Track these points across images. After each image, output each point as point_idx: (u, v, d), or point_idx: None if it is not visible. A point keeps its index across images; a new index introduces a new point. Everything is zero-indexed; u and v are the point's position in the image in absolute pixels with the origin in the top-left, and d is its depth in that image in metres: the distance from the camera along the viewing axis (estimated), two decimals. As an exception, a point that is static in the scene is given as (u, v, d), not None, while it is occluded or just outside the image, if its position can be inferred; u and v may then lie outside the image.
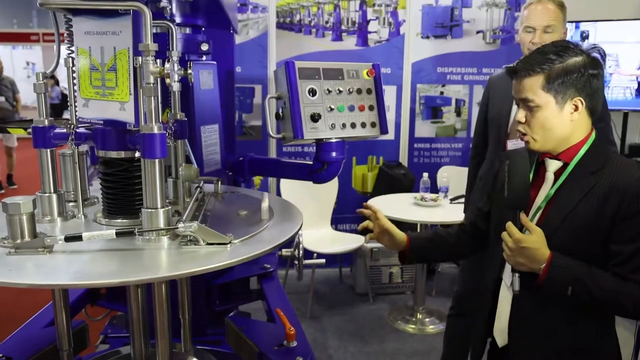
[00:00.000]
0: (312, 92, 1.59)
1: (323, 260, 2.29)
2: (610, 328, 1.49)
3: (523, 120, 1.45)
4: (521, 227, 1.42)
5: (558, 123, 1.42)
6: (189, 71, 1.40)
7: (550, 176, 1.47)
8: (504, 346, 1.56)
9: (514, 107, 2.48)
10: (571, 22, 2.44)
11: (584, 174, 1.42)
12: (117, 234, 1.09)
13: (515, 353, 1.54)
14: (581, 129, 1.44)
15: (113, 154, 1.25)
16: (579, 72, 1.39)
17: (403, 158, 4.67)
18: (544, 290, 1.40)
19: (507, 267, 1.49)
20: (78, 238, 1.06)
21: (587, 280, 1.35)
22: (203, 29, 1.96)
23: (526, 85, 1.42)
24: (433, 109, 4.66)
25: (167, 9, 1.51)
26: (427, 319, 3.85)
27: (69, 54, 1.25)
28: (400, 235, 1.75)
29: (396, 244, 1.75)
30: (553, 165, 1.47)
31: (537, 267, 1.38)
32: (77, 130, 1.27)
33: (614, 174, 1.39)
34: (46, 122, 1.27)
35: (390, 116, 4.51)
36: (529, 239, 1.39)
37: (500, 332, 1.56)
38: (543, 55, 1.42)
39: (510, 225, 1.43)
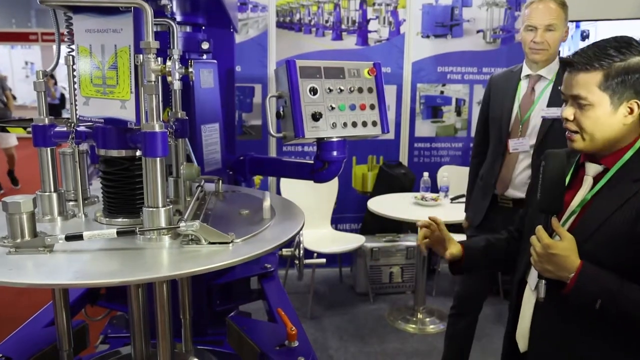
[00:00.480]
0: (313, 91, 1.58)
1: (323, 260, 2.29)
2: (638, 348, 1.37)
3: (571, 117, 1.36)
4: (552, 232, 1.35)
5: (609, 125, 1.33)
6: (190, 69, 1.40)
7: (588, 180, 1.40)
8: (525, 352, 1.50)
9: (515, 106, 2.49)
10: (572, 21, 2.43)
11: (626, 181, 1.33)
12: (118, 233, 1.08)
13: None
14: (631, 133, 1.35)
15: (114, 153, 1.24)
16: None
17: (403, 157, 4.67)
18: (570, 301, 1.32)
19: (533, 271, 1.43)
20: (79, 237, 1.05)
21: (618, 293, 1.26)
22: (203, 27, 1.95)
23: (580, 81, 1.33)
24: (433, 109, 4.66)
25: (168, 7, 1.50)
26: (427, 319, 3.84)
27: (69, 52, 1.24)
28: (457, 246, 1.70)
29: (451, 254, 1.69)
30: (593, 169, 1.40)
31: (564, 276, 1.30)
32: (78, 129, 1.26)
33: None
34: (46, 121, 1.26)
35: (391, 116, 4.50)
36: (558, 246, 1.31)
37: (522, 337, 1.50)
38: (602, 49, 1.31)
39: (540, 229, 1.35)
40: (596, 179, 1.39)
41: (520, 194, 2.46)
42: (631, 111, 1.32)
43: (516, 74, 2.53)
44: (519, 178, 2.48)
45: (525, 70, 2.49)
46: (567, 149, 1.44)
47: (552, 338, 1.42)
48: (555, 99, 2.39)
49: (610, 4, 4.23)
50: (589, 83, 1.31)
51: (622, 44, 1.31)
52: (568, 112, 1.37)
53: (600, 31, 4.05)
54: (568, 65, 1.36)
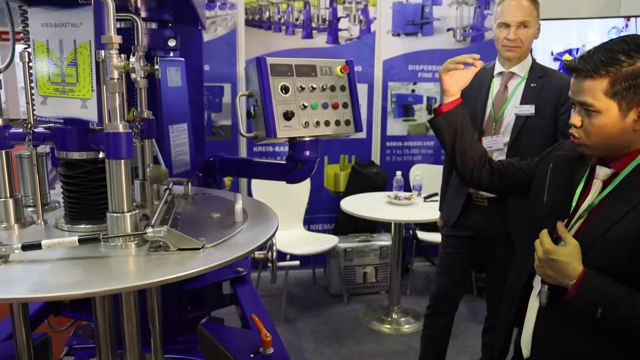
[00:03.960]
0: (285, 89, 1.54)
1: (297, 262, 2.25)
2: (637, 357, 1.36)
3: (579, 124, 1.32)
4: (557, 236, 1.32)
5: (618, 132, 1.28)
6: (156, 67, 1.33)
7: (597, 183, 1.36)
8: (527, 358, 1.47)
9: (489, 104, 2.49)
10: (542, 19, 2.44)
11: (635, 186, 1.29)
12: (80, 240, 1.01)
13: None
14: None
15: (75, 155, 1.16)
16: None
17: (375, 156, 4.65)
18: (571, 308, 1.29)
19: (538, 276, 1.39)
20: (37, 246, 0.98)
21: (620, 303, 1.23)
22: (170, 24, 1.88)
23: (586, 88, 1.28)
24: (405, 107, 4.66)
25: (132, 1, 1.43)
26: (402, 319, 3.84)
27: (25, 47, 1.17)
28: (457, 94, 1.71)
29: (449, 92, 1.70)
30: (602, 173, 1.36)
31: (566, 282, 1.28)
32: (35, 130, 1.18)
33: None
34: (0, 122, 1.18)
35: (362, 114, 4.43)
36: (560, 252, 1.28)
37: (526, 342, 1.47)
38: (610, 53, 1.25)
39: (543, 233, 1.32)
40: (605, 183, 1.35)
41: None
42: None
43: (489, 72, 2.52)
44: (492, 176, 2.47)
45: (498, 67, 2.49)
46: (573, 149, 1.40)
47: (551, 345, 1.39)
48: (528, 96, 2.39)
49: (576, 2, 4.29)
50: (595, 90, 1.27)
51: (632, 46, 1.25)
52: (575, 119, 1.33)
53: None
54: (572, 71, 1.32)
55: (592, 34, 4.11)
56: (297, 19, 4.35)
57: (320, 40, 4.40)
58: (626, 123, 1.27)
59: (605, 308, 1.24)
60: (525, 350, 1.48)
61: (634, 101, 1.25)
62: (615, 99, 1.25)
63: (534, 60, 2.51)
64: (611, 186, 1.33)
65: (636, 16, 3.98)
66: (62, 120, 1.13)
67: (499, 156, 2.44)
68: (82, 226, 1.17)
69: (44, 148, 1.29)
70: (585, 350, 1.35)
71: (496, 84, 2.48)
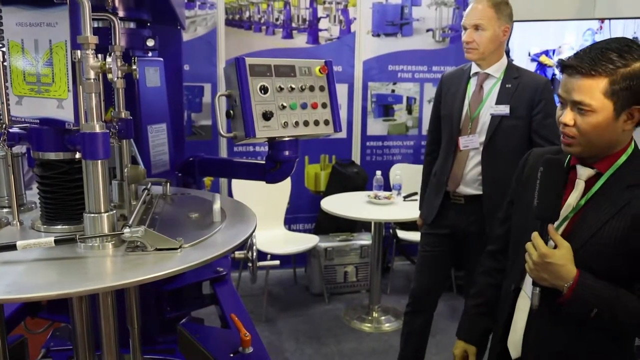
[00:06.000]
0: (264, 90, 1.54)
1: (277, 262, 2.24)
2: (627, 353, 1.40)
3: (571, 123, 1.31)
4: (547, 239, 1.32)
5: (610, 131, 1.29)
6: (134, 67, 1.33)
7: (580, 184, 1.36)
8: (517, 358, 1.48)
9: (465, 104, 2.52)
10: (516, 21, 2.48)
11: (620, 188, 1.31)
12: (56, 241, 1.01)
13: None
14: (626, 138, 1.34)
15: (51, 156, 1.16)
16: None
17: (356, 156, 4.67)
18: (566, 310, 1.31)
19: (528, 278, 1.40)
20: (12, 247, 0.97)
21: (614, 303, 1.26)
22: (149, 24, 1.87)
23: (583, 87, 1.27)
24: (385, 107, 4.68)
25: (109, 1, 1.42)
26: (382, 317, 3.86)
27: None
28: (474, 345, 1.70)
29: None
30: (585, 173, 1.36)
31: (561, 285, 1.29)
32: (10, 130, 1.17)
33: None
34: (-26, 122, 1.17)
35: (342, 114, 4.50)
36: (555, 255, 1.29)
37: (514, 344, 1.48)
38: (603, 53, 1.26)
39: (536, 236, 1.32)
40: (589, 184, 1.36)
41: (472, 191, 2.50)
42: (631, 117, 1.29)
43: (466, 72, 2.56)
44: (469, 175, 2.50)
45: (474, 68, 2.53)
46: (552, 149, 1.42)
47: (544, 345, 1.40)
48: (503, 97, 2.43)
49: (549, 4, 4.36)
50: (592, 89, 1.26)
51: (624, 47, 1.26)
52: (568, 117, 1.31)
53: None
54: (569, 69, 1.30)
55: (569, 36, 4.18)
56: (277, 19, 4.35)
57: (300, 40, 4.41)
58: (618, 123, 1.29)
59: (600, 308, 1.26)
60: (514, 351, 1.48)
61: (628, 102, 1.26)
62: (612, 99, 1.26)
63: (509, 61, 2.56)
64: (596, 187, 1.34)
65: (610, 18, 4.06)
66: (38, 121, 1.12)
67: (475, 155, 2.48)
68: (59, 227, 1.16)
69: (19, 148, 1.28)
70: (576, 349, 1.37)
71: (472, 85, 2.52)
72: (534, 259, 1.32)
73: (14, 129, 1.18)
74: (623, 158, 1.34)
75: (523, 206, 1.48)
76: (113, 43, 1.35)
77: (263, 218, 3.67)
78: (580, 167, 1.38)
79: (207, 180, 4.20)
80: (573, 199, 1.38)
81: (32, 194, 1.37)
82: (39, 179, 1.19)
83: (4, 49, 1.14)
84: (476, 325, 1.71)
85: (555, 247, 1.32)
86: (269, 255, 3.78)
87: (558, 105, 1.38)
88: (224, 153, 4.37)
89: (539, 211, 1.34)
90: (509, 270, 1.56)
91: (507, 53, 2.55)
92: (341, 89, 4.47)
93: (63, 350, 1.79)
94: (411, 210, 3.30)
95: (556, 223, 1.37)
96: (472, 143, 2.48)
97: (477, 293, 1.73)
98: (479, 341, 1.69)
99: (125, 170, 1.37)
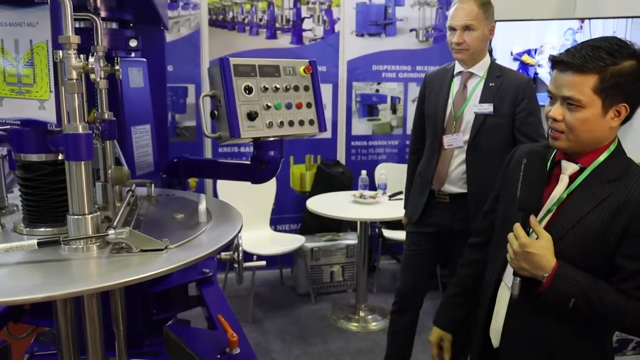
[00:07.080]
0: (248, 90, 1.54)
1: (263, 263, 2.24)
2: (606, 344, 1.44)
3: (560, 118, 1.34)
4: (528, 230, 1.35)
5: (597, 127, 1.32)
6: (117, 67, 1.32)
7: (565, 179, 1.40)
8: (497, 347, 1.51)
9: (449, 102, 2.54)
10: (497, 20, 2.50)
11: (601, 182, 1.34)
12: (39, 244, 0.99)
13: (505, 356, 1.49)
14: (611, 135, 1.37)
15: (33, 157, 1.14)
16: (633, 77, 1.28)
17: (341, 156, 4.68)
18: (544, 299, 1.34)
19: (509, 268, 1.43)
20: (-6, 250, 0.96)
21: (591, 293, 1.29)
22: (131, 24, 1.86)
23: (573, 82, 1.30)
24: (369, 107, 4.70)
25: (91, 1, 1.41)
26: (369, 316, 3.87)
27: (-21, 48, 1.14)
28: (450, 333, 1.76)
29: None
30: (570, 168, 1.40)
31: (540, 274, 1.32)
32: (-9, 132, 1.16)
33: (631, 186, 1.31)
34: (-45, 124, 1.15)
35: (327, 114, 4.50)
36: (535, 245, 1.32)
37: (496, 333, 1.51)
38: (594, 50, 1.28)
39: (518, 227, 1.35)
40: (571, 178, 1.40)
41: (456, 189, 2.51)
42: (618, 114, 1.32)
43: (450, 72, 2.58)
44: (454, 173, 2.52)
45: (458, 67, 2.54)
46: (540, 145, 1.44)
47: (523, 334, 1.43)
48: (486, 95, 2.45)
49: (531, 4, 4.41)
50: (582, 85, 1.29)
51: (614, 46, 1.29)
52: (557, 112, 1.34)
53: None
54: (560, 65, 1.33)
55: (550, 35, 4.23)
56: (261, 19, 4.34)
57: (284, 40, 4.41)
58: (605, 120, 1.32)
59: (577, 299, 1.29)
60: (496, 340, 1.52)
61: (616, 99, 1.30)
62: (601, 96, 1.29)
63: (492, 60, 2.58)
64: (579, 180, 1.38)
65: (590, 18, 4.12)
66: (19, 122, 1.11)
67: (460, 154, 2.50)
68: (42, 229, 1.15)
69: (0, 150, 1.26)
70: (555, 338, 1.40)
71: (456, 84, 2.54)
72: (515, 248, 1.35)
73: (-5, 131, 1.17)
74: (606, 154, 1.37)
75: (507, 199, 1.51)
76: (95, 43, 1.34)
77: (248, 219, 3.67)
78: (565, 162, 1.42)
79: (192, 181, 4.18)
80: (557, 193, 1.41)
81: (14, 197, 1.35)
82: (21, 181, 1.17)
83: (-17, 50, 1.13)
84: (453, 314, 1.77)
85: (537, 238, 1.35)
86: (255, 256, 3.77)
87: (547, 100, 1.41)
88: (208, 154, 4.35)
89: (520, 202, 1.37)
90: (491, 261, 1.59)
91: (490, 53, 2.56)
92: (326, 89, 4.48)
93: (47, 355, 1.77)
94: (396, 210, 3.31)
95: (539, 216, 1.40)
96: (456, 142, 2.49)
97: (457, 283, 1.78)
98: (455, 329, 1.74)
99: (109, 172, 1.36)
